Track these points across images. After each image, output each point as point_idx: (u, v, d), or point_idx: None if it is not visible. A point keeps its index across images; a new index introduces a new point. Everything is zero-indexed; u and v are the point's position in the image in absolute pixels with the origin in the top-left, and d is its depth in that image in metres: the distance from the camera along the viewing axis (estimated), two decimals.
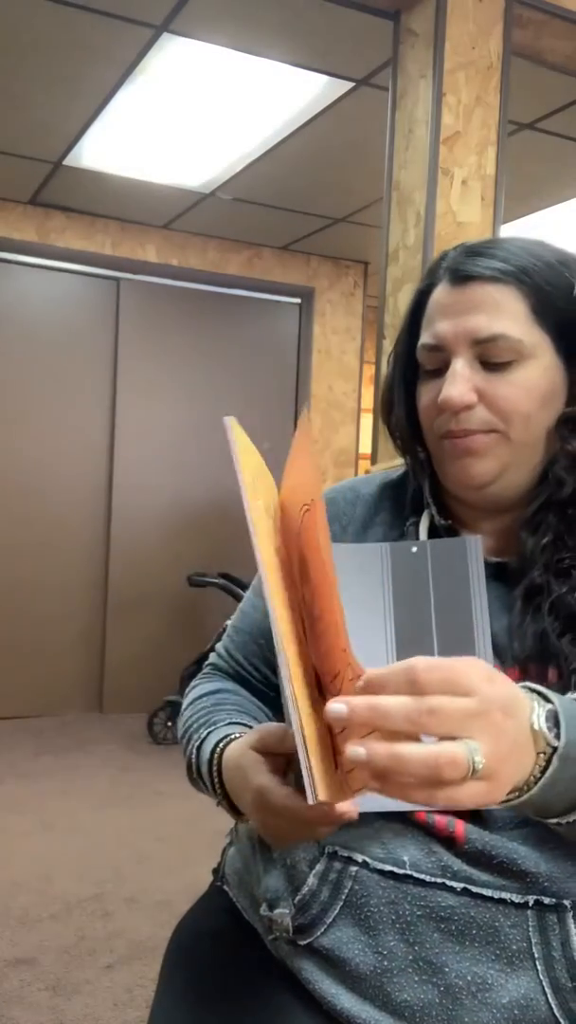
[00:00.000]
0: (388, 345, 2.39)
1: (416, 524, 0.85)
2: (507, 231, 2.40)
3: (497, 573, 0.79)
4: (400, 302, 2.35)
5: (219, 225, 4.49)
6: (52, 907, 2.37)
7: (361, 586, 0.74)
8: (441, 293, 0.79)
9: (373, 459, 2.44)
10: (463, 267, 0.77)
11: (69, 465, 4.45)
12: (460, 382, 0.76)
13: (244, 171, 3.71)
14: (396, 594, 0.74)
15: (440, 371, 0.79)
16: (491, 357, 0.76)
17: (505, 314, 0.76)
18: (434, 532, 0.83)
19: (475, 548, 0.76)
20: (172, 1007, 0.82)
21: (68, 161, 3.69)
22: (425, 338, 0.80)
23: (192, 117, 3.21)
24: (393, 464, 0.96)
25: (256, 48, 2.70)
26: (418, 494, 0.86)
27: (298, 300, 4.94)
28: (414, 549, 0.76)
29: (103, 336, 4.48)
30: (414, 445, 0.86)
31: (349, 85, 2.93)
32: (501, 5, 2.31)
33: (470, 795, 0.49)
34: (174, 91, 3.01)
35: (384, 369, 0.91)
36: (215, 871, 0.93)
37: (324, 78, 2.88)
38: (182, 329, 4.64)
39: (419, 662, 0.50)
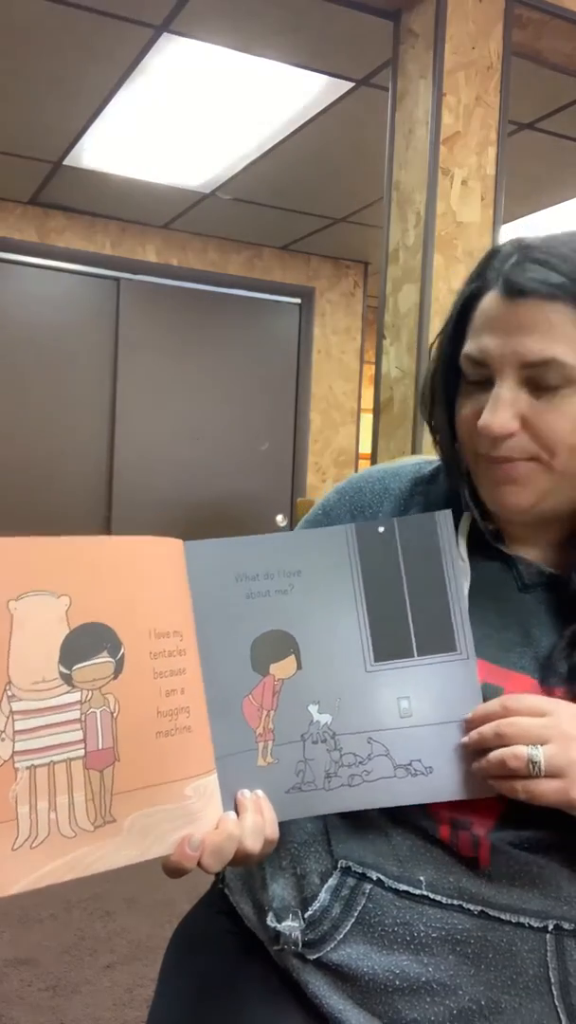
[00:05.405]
0: (388, 345, 2.39)
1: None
2: (507, 231, 2.40)
3: (550, 584, 0.77)
4: (400, 302, 2.35)
5: (219, 225, 4.49)
6: (52, 907, 2.37)
7: (328, 570, 0.72)
8: (491, 304, 0.72)
9: (373, 459, 2.44)
10: (517, 279, 0.69)
11: (69, 464, 4.45)
12: (502, 409, 0.70)
13: (244, 171, 3.71)
14: (366, 576, 0.72)
15: (483, 384, 0.73)
16: (540, 382, 0.70)
17: (559, 337, 0.68)
18: (475, 536, 0.80)
19: (445, 523, 0.73)
20: (171, 1010, 0.82)
21: (68, 161, 3.69)
22: (470, 348, 0.73)
23: (192, 117, 3.20)
24: (428, 457, 0.92)
25: (256, 48, 2.70)
26: (454, 494, 0.81)
27: (298, 300, 4.94)
28: (381, 529, 0.73)
29: (103, 336, 4.48)
30: (453, 450, 0.80)
31: (349, 85, 2.93)
32: (501, 5, 2.31)
33: (545, 790, 0.65)
34: (174, 91, 3.01)
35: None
36: (217, 872, 0.92)
37: (324, 78, 2.88)
38: (182, 329, 4.64)
39: (509, 696, 0.69)
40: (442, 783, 0.70)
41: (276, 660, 0.71)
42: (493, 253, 0.75)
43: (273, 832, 0.68)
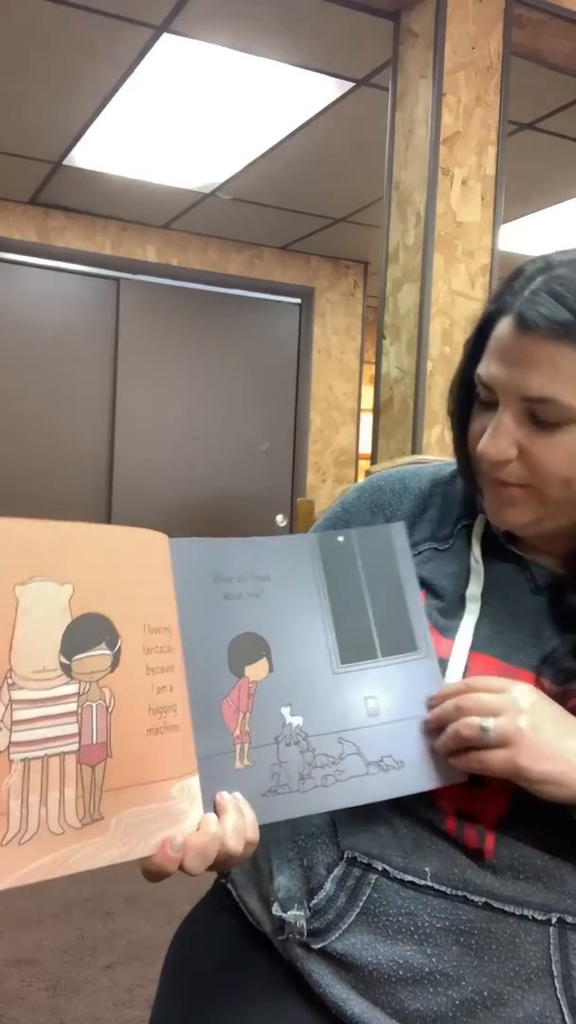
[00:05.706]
0: (388, 345, 2.39)
1: (467, 527, 0.84)
2: (507, 231, 2.40)
3: (560, 586, 0.79)
4: (400, 302, 2.35)
5: (219, 225, 4.49)
6: (52, 907, 2.37)
7: (294, 576, 0.75)
8: (504, 331, 0.73)
9: (373, 459, 2.45)
10: (527, 312, 0.70)
11: (69, 465, 4.46)
12: (501, 437, 0.73)
13: (244, 171, 3.71)
14: (329, 583, 0.76)
15: (492, 406, 0.75)
16: (539, 416, 0.72)
17: (562, 377, 0.69)
18: (490, 538, 0.82)
19: (399, 534, 0.79)
20: (173, 1008, 0.82)
21: (68, 161, 3.69)
22: (481, 370, 0.75)
23: (192, 117, 3.21)
24: (445, 459, 0.95)
25: (256, 48, 2.70)
26: (471, 496, 0.85)
27: (298, 300, 4.94)
28: (340, 538, 0.77)
29: (103, 336, 4.48)
30: (466, 456, 0.82)
31: (349, 85, 2.93)
32: (501, 5, 2.32)
33: (494, 759, 0.67)
34: (174, 91, 3.01)
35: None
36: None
37: (324, 78, 2.88)
38: (182, 329, 4.64)
39: (474, 677, 0.72)
40: (414, 775, 0.72)
41: (250, 662, 0.71)
42: (517, 273, 0.75)
43: (254, 834, 0.67)
